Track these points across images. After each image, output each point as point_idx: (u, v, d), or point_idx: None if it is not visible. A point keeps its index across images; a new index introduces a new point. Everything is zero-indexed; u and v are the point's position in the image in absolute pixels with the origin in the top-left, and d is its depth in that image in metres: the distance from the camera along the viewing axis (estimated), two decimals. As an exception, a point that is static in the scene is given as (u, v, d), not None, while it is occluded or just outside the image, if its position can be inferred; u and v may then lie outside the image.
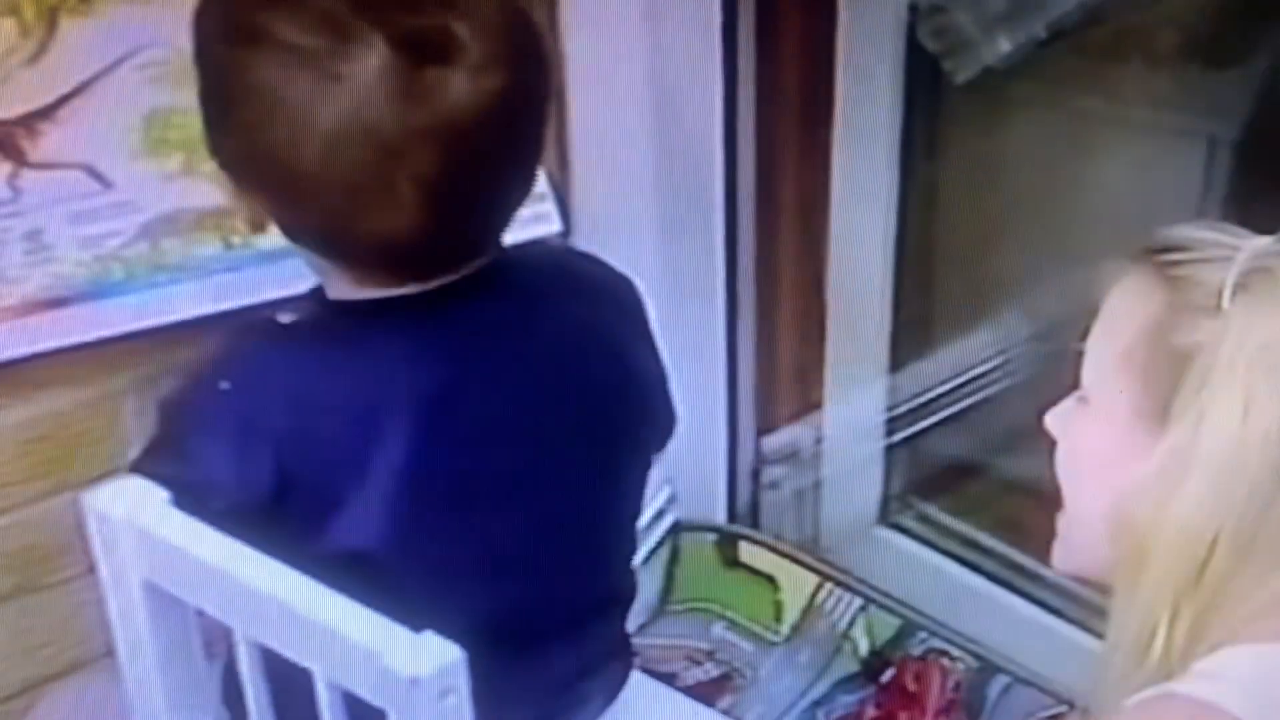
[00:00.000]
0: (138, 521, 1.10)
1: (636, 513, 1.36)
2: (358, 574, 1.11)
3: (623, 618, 1.40)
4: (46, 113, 1.42)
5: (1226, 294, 0.95)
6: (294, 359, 1.18)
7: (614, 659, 1.39)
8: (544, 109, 1.19)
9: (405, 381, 1.17)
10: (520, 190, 1.19)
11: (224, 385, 1.17)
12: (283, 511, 1.16)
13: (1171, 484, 0.95)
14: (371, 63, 1.06)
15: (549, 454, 1.24)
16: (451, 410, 1.18)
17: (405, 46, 1.06)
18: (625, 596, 1.39)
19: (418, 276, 1.17)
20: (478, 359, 1.20)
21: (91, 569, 1.15)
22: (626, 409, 1.30)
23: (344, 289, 1.19)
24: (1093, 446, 1.02)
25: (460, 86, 1.08)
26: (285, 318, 1.20)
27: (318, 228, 1.15)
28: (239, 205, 1.18)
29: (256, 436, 1.15)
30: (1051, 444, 1.07)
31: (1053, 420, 1.06)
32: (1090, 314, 1.03)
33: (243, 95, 1.10)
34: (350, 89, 1.06)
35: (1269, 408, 0.93)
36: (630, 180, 1.90)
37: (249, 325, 1.23)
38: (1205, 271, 0.96)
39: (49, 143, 1.43)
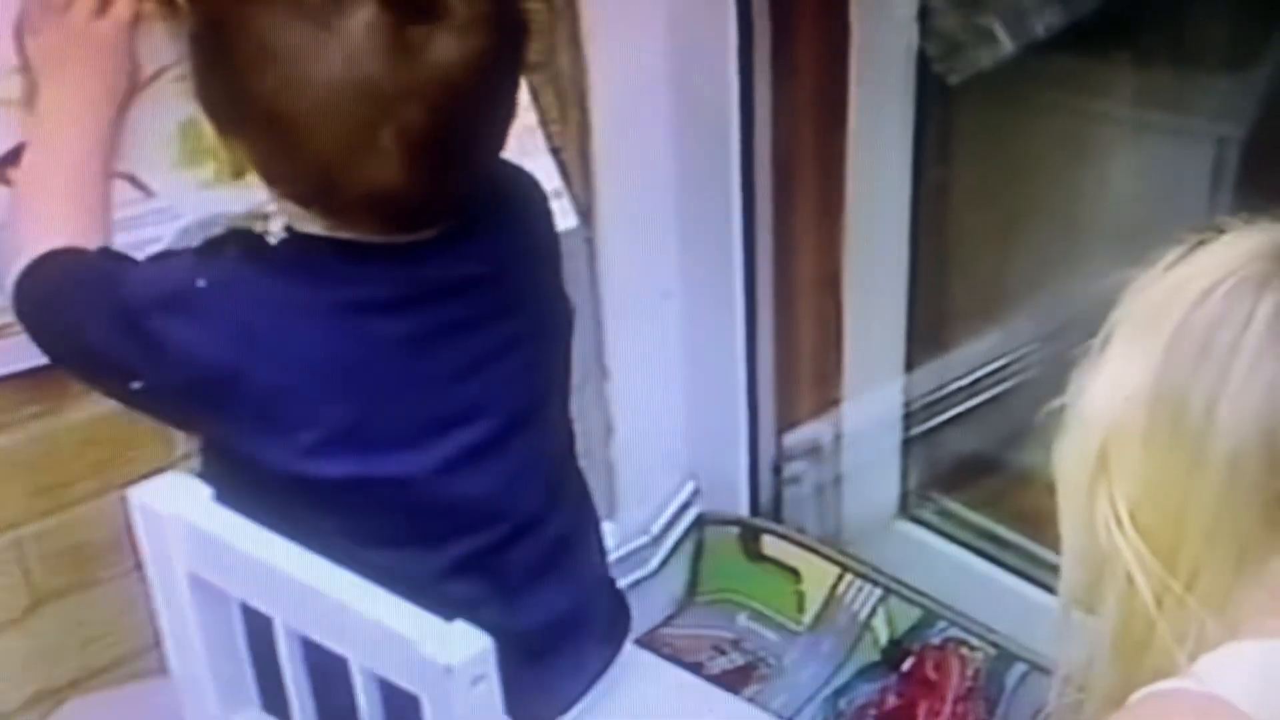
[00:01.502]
0: (182, 516, 1.13)
1: (566, 408, 1.38)
2: (314, 498, 1.17)
3: (594, 548, 1.41)
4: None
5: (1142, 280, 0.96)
6: (274, 280, 1.19)
7: (601, 604, 1.41)
8: (520, 70, 1.21)
9: (372, 331, 1.20)
10: (495, 148, 1.21)
11: (200, 283, 1.18)
12: (221, 419, 1.19)
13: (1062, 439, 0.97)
14: (360, 17, 1.08)
15: (499, 401, 1.27)
16: (412, 360, 1.21)
17: (393, 3, 1.09)
18: (580, 516, 1.40)
19: (395, 230, 1.19)
20: (445, 313, 1.22)
21: (140, 564, 1.18)
22: (557, 334, 1.34)
23: (300, 225, 1.20)
24: None
25: (445, 45, 1.10)
26: (273, 237, 1.21)
27: (299, 177, 1.16)
28: (221, 150, 1.20)
29: (217, 333, 1.16)
30: None
31: None
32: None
33: (235, 39, 1.12)
34: (339, 42, 1.08)
35: (1138, 366, 0.93)
36: (651, 182, 1.92)
37: (236, 235, 1.24)
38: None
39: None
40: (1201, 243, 0.96)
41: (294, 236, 1.21)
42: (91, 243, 1.26)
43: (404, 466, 1.22)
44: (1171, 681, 0.93)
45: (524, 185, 1.34)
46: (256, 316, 1.18)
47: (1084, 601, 0.99)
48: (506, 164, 1.28)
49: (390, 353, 1.21)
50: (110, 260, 1.25)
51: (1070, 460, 0.97)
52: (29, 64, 1.34)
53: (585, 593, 1.38)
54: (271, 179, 1.19)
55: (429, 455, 1.23)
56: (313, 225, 1.20)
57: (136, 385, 1.19)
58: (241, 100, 1.14)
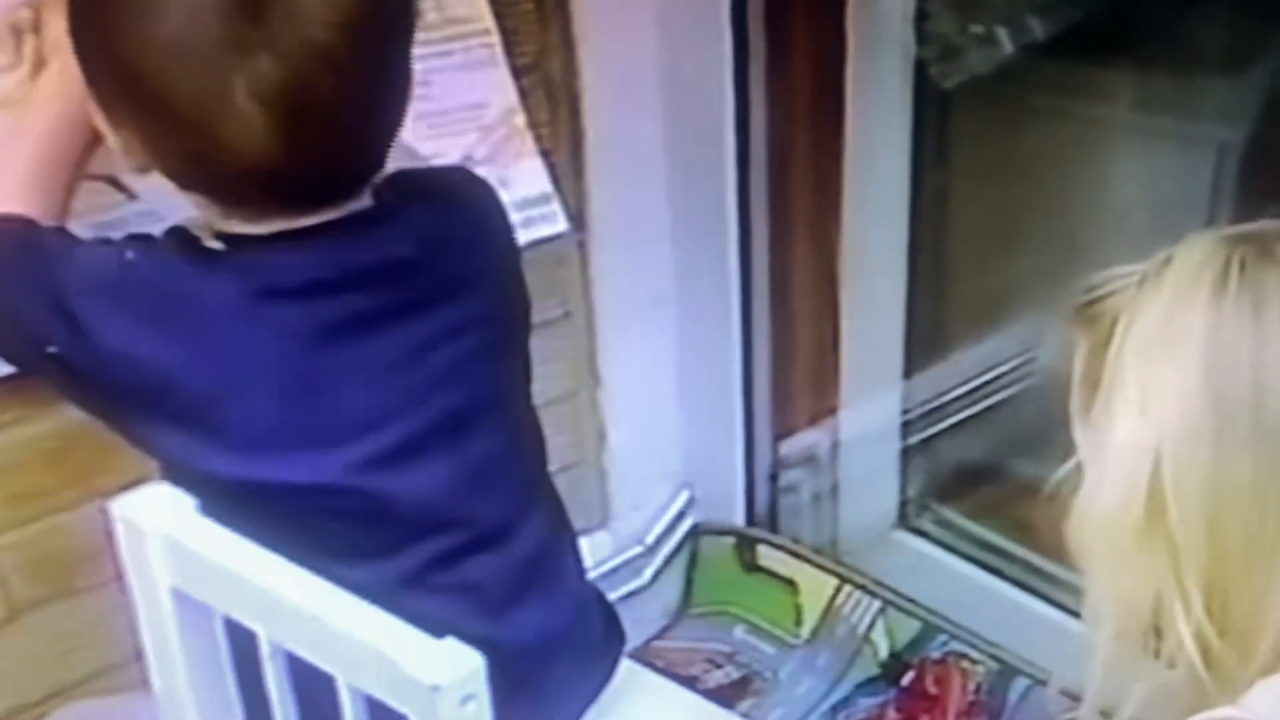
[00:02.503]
0: (165, 529, 1.11)
1: (531, 415, 1.34)
2: (248, 505, 1.13)
3: (573, 563, 1.37)
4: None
5: (1122, 316, 0.96)
6: (188, 270, 1.17)
7: (588, 621, 1.38)
8: (404, 41, 1.18)
9: (283, 319, 1.17)
10: (386, 124, 1.18)
11: (130, 256, 1.17)
12: (144, 418, 1.18)
13: (1089, 483, 0.97)
14: None
15: (439, 394, 1.23)
16: (330, 350, 1.18)
17: None
18: (547, 520, 1.35)
19: (285, 211, 1.16)
20: (365, 300, 1.19)
21: (121, 575, 1.15)
22: (507, 329, 1.30)
23: (225, 226, 1.18)
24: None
25: (305, 4, 1.08)
26: (213, 245, 1.18)
27: (175, 152, 1.14)
28: (118, 145, 1.18)
29: (141, 313, 1.15)
30: None
31: None
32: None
33: (96, 5, 1.12)
34: None
35: (1167, 380, 0.93)
36: (645, 186, 1.92)
37: (179, 231, 1.21)
38: (1110, 303, 0.98)
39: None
40: (1167, 260, 0.96)
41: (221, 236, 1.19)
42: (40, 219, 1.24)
43: (328, 467, 1.19)
44: (1220, 711, 0.91)
45: (457, 177, 1.33)
46: (171, 306, 1.16)
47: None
48: (454, 168, 1.29)
49: (306, 343, 1.17)
50: (54, 235, 1.23)
51: (1111, 510, 0.95)
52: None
53: (570, 609, 1.35)
54: (157, 161, 1.17)
55: (359, 451, 1.19)
56: (213, 216, 1.18)
57: (52, 350, 1.16)
58: (105, 65, 1.14)
